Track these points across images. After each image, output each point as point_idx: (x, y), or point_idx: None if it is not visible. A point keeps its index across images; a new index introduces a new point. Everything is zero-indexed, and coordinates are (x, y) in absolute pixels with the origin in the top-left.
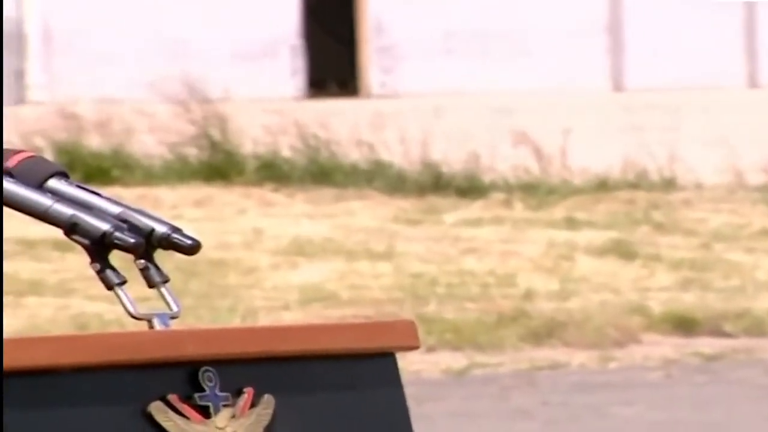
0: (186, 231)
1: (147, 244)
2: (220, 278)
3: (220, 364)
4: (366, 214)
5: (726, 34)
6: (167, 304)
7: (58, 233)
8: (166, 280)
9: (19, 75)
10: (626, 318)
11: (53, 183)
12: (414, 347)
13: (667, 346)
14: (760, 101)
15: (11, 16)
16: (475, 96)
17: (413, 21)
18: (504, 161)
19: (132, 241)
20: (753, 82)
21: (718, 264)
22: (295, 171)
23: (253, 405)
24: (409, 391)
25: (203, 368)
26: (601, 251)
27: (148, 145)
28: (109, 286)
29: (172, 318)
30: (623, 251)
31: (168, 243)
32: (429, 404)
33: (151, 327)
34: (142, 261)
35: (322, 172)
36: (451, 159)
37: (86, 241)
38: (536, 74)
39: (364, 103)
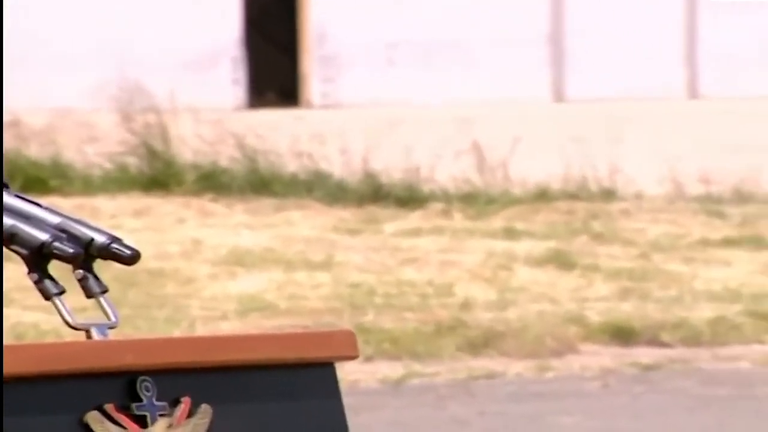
0: (125, 241)
1: (86, 254)
2: (159, 288)
3: (158, 373)
4: (305, 224)
5: (667, 45)
6: (105, 314)
7: None
8: (104, 291)
9: None
10: (564, 328)
11: None
12: (353, 357)
13: (604, 356)
14: (700, 112)
15: None
16: (418, 106)
17: (355, 31)
18: (445, 171)
19: (71, 251)
20: (693, 93)
21: (657, 274)
22: (234, 181)
23: (190, 415)
24: (347, 401)
25: (141, 378)
26: (540, 261)
27: (88, 155)
28: (47, 296)
29: (110, 328)
30: (562, 261)
31: (107, 253)
32: (366, 414)
33: (89, 337)
34: (81, 271)
35: (261, 183)
36: (392, 169)
37: (25, 251)
38: (478, 85)
39: (306, 113)
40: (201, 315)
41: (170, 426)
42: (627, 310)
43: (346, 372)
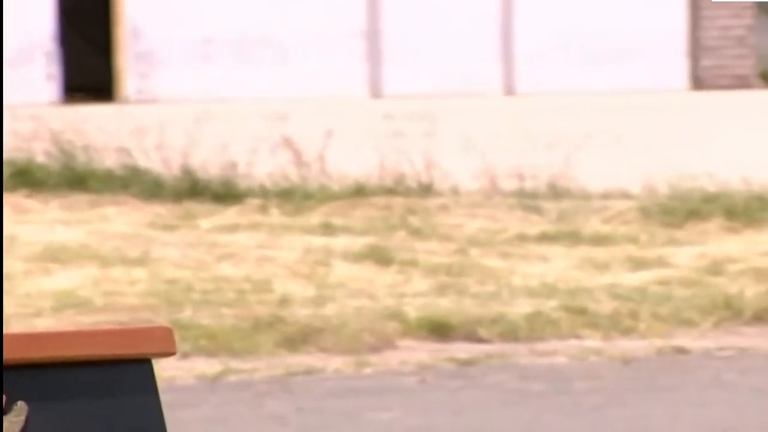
0: None
1: None
2: None
3: None
4: (121, 220)
5: (482, 42)
6: None
7: None
8: None
9: None
10: (382, 323)
11: None
12: (170, 353)
13: (422, 352)
14: (516, 108)
15: None
16: (234, 102)
17: (171, 26)
18: (262, 167)
19: None
20: (509, 90)
21: (474, 269)
22: (49, 177)
23: (5, 412)
24: (164, 398)
25: None
26: (358, 257)
27: None
28: None
29: None
30: (379, 257)
31: None
32: (183, 410)
33: None
34: None
35: (77, 179)
36: (210, 165)
37: None
38: (295, 80)
39: (121, 109)
40: (15, 312)
41: None
42: (445, 306)
43: (163, 368)
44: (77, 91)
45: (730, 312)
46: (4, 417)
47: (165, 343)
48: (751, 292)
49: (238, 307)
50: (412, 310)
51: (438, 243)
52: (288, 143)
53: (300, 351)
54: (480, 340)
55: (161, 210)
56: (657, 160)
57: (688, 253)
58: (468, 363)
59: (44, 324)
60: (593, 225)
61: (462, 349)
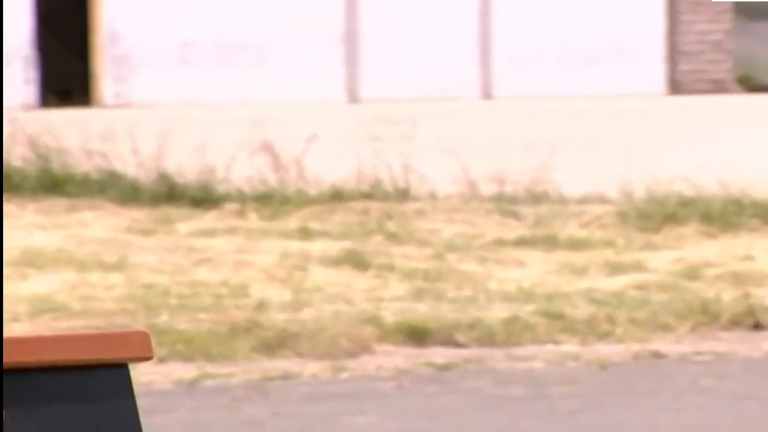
0: None
1: None
2: None
3: None
4: (98, 224)
5: (461, 46)
6: None
7: None
8: None
9: None
10: (359, 328)
11: None
12: (147, 358)
13: (399, 357)
14: (494, 112)
15: None
16: (212, 106)
17: (148, 31)
18: (240, 171)
19: None
20: (487, 94)
21: (451, 274)
22: (26, 181)
23: None
24: (141, 403)
25: None
26: (335, 261)
27: None
28: None
29: None
30: (357, 261)
31: None
32: (160, 415)
33: None
34: None
35: (54, 183)
36: (187, 169)
37: None
38: (272, 85)
39: (98, 113)
40: None
41: None
42: (422, 311)
43: (140, 373)
44: (55, 95)
45: (706, 317)
46: None
47: (142, 347)
48: (727, 296)
49: (215, 312)
50: (389, 314)
51: (415, 248)
52: (266, 147)
53: (277, 356)
54: (457, 344)
55: (138, 214)
56: (634, 164)
57: (665, 257)
58: (445, 368)
59: (21, 329)
60: (570, 230)
61: (439, 354)
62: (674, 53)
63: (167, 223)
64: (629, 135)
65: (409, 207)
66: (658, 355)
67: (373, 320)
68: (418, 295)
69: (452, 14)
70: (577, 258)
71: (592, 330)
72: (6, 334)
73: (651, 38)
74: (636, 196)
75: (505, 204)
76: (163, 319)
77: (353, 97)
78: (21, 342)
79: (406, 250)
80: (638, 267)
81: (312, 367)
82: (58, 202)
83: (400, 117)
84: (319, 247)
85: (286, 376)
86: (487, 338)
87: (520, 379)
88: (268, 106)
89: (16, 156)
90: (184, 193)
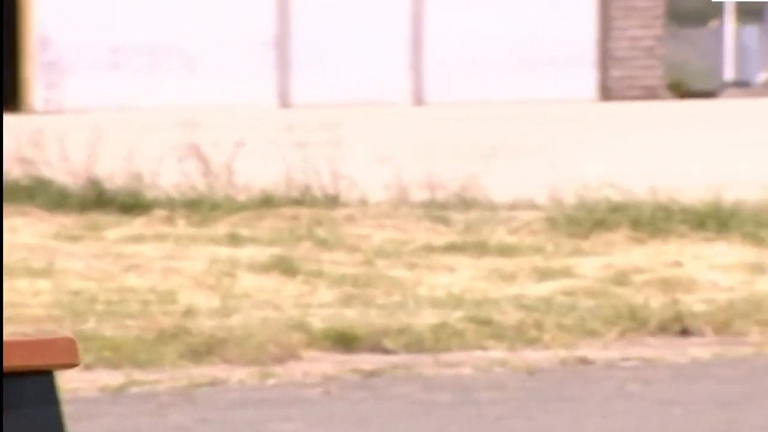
0: None
1: None
2: None
3: None
4: (27, 231)
5: (392, 52)
6: None
7: None
8: None
9: None
10: (287, 334)
11: None
12: (74, 365)
13: (327, 363)
14: (425, 118)
15: None
16: (142, 111)
17: (79, 35)
18: (169, 177)
19: None
20: (418, 100)
21: (381, 280)
22: None
23: None
24: (67, 409)
25: None
26: (264, 268)
27: None
28: None
29: None
30: (286, 268)
31: None
32: (86, 422)
33: None
34: None
35: None
36: (116, 175)
37: None
38: (203, 89)
39: (28, 119)
40: None
41: None
42: (350, 317)
43: (67, 380)
44: None
45: (634, 322)
46: None
47: (68, 354)
48: (656, 302)
49: (142, 319)
50: (318, 320)
51: (344, 254)
52: (196, 153)
53: (204, 362)
54: (385, 351)
55: (67, 221)
56: (564, 170)
57: (594, 263)
58: (373, 374)
59: None
60: (500, 236)
61: (367, 360)
62: (606, 59)
63: (96, 230)
64: (560, 141)
65: (339, 213)
66: (585, 361)
67: (301, 326)
68: (346, 301)
69: (384, 20)
70: (506, 264)
71: (520, 336)
72: None
73: (582, 44)
74: (565, 202)
75: (435, 210)
76: (90, 325)
77: (284, 102)
78: None
79: (336, 256)
80: (567, 273)
81: (239, 374)
82: None
83: (331, 122)
84: (247, 253)
85: (213, 383)
86: (416, 344)
87: (448, 385)
88: (198, 111)
89: None
90: (113, 200)
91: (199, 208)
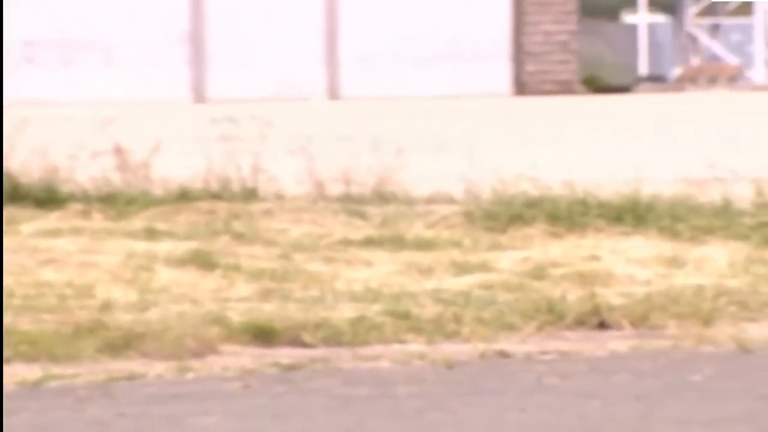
0: None
1: None
2: None
3: None
4: None
5: (308, 46)
6: None
7: None
8: None
9: None
10: (205, 328)
11: None
12: None
13: (245, 357)
14: (340, 112)
15: None
16: (56, 105)
17: None
18: (85, 172)
19: None
20: (334, 94)
21: (298, 274)
22: None
23: None
24: None
25: None
26: (181, 262)
27: None
28: None
29: None
30: (203, 261)
31: None
32: (3, 417)
33: None
34: None
35: None
36: (31, 169)
37: None
38: (119, 84)
39: None
40: None
41: None
42: (268, 311)
43: None
44: None
45: (552, 316)
46: None
47: None
48: (573, 296)
49: (59, 313)
50: (236, 314)
51: (262, 248)
52: (111, 147)
53: (122, 356)
54: (304, 344)
55: None
56: (481, 164)
57: (512, 257)
58: (291, 368)
59: None
60: (417, 230)
61: (286, 354)
62: (520, 54)
63: (11, 224)
64: (475, 135)
65: (257, 207)
66: (504, 354)
67: (220, 320)
68: (264, 295)
69: (299, 14)
70: (423, 258)
71: (438, 329)
72: None
73: (497, 39)
74: (482, 197)
75: (352, 204)
76: (7, 319)
77: (200, 97)
78: None
79: (253, 250)
80: (485, 267)
81: (157, 368)
82: None
83: (247, 116)
84: (164, 247)
85: (131, 377)
86: (334, 338)
87: (367, 378)
88: (114, 106)
89: None
90: (28, 194)
91: (115, 202)
